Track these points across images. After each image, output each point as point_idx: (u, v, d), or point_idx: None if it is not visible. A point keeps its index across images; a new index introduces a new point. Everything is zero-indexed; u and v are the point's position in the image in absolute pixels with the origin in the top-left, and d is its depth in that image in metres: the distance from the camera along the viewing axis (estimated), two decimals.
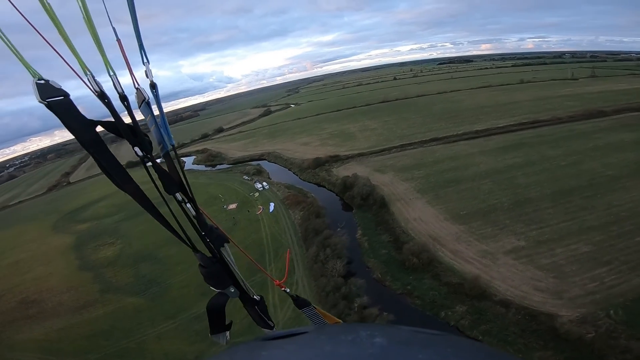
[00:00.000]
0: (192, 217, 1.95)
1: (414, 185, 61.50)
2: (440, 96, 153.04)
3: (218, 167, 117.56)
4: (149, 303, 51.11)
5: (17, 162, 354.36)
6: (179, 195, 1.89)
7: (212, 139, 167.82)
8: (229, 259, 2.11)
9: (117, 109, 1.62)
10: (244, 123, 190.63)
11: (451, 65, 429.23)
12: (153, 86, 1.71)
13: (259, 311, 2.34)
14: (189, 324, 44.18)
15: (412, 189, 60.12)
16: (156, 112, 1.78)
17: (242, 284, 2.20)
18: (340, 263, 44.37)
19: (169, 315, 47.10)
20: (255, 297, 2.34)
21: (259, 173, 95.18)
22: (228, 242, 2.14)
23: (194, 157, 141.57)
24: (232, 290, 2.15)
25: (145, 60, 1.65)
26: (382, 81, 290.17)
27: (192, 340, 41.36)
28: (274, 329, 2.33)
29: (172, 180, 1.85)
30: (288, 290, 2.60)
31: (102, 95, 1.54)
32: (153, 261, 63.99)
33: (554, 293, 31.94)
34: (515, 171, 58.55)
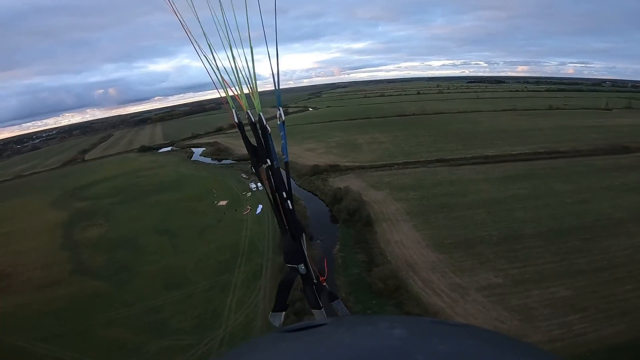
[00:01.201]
0: (287, 211, 2.47)
1: (406, 206, 57.97)
2: (459, 115, 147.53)
3: (223, 161, 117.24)
4: (112, 289, 50.07)
5: (44, 135, 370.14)
6: (284, 194, 2.46)
7: (225, 133, 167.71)
8: (304, 244, 2.58)
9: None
10: None
11: (481, 84, 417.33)
12: (283, 123, 2.60)
13: (315, 290, 2.66)
14: (142, 315, 42.77)
15: (402, 210, 56.66)
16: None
17: (309, 265, 2.60)
18: None
19: (127, 303, 45.85)
20: (314, 280, 2.69)
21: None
22: (305, 233, 2.66)
23: (203, 149, 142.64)
24: (302, 267, 2.55)
25: (279, 106, 2.54)
26: (405, 94, 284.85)
27: (139, 331, 39.96)
28: (322, 310, 2.56)
29: (283, 183, 2.49)
30: (326, 285, 2.78)
31: (254, 124, 2.42)
32: (131, 248, 63.23)
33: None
34: (516, 203, 54.13)
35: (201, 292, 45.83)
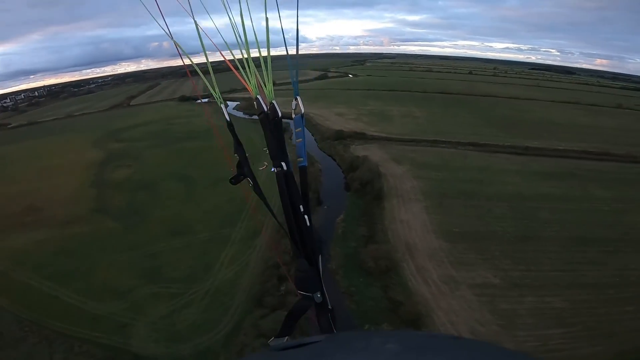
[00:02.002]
0: (304, 228, 2.17)
1: (423, 185, 54.62)
2: (509, 101, 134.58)
3: (253, 116, 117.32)
4: (123, 231, 52.75)
5: (100, 81, 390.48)
6: (301, 208, 2.15)
7: None
8: (320, 269, 2.28)
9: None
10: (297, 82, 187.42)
11: (546, 72, 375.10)
12: (302, 116, 2.18)
13: (330, 319, 2.44)
14: (141, 259, 44.72)
15: (417, 189, 53.50)
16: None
17: (324, 292, 2.33)
18: None
19: (131, 246, 48.08)
20: (329, 306, 2.47)
21: (283, 131, 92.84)
22: (323, 255, 2.33)
23: (237, 103, 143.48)
24: (319, 296, 2.27)
25: (296, 95, 2.14)
26: (455, 72, 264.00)
27: (134, 275, 41.81)
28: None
29: (299, 193, 2.16)
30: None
31: (266, 115, 2.03)
32: (150, 191, 66.02)
33: None
34: (544, 202, 48.85)
35: (200, 243, 46.96)
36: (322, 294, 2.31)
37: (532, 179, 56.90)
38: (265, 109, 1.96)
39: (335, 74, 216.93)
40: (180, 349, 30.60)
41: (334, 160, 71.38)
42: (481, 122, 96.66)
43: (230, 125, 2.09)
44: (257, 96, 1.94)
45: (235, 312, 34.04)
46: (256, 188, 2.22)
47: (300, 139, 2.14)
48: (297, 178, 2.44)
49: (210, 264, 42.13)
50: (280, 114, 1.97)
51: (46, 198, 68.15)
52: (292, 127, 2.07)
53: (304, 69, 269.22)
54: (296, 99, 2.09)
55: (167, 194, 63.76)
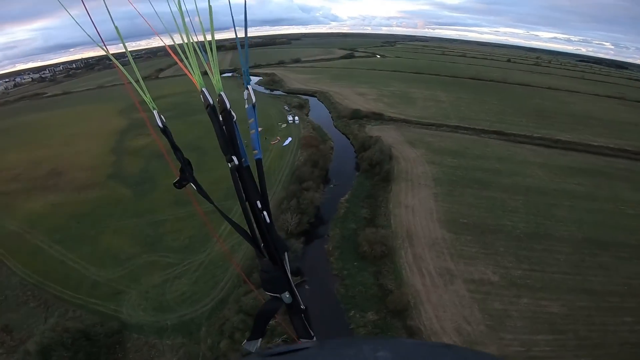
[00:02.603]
0: (264, 226, 2.04)
1: (436, 171, 51.99)
2: (547, 91, 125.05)
3: (274, 92, 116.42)
4: (133, 198, 54.17)
5: (133, 54, 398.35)
6: (258, 203, 2.01)
7: (285, 67, 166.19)
8: (287, 268, 2.17)
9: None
10: (322, 60, 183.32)
11: (595, 66, 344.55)
12: (254, 106, 2.10)
13: (304, 320, 2.38)
14: (145, 227, 45.72)
15: (429, 175, 50.99)
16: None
17: (294, 292, 2.26)
18: (297, 218, 40.36)
19: (137, 213, 49.31)
20: (302, 306, 2.37)
21: (300, 107, 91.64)
22: (288, 251, 2.20)
23: (260, 78, 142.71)
24: (287, 296, 2.21)
25: (246, 85, 2.03)
26: (491, 59, 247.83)
27: (136, 242, 42.85)
28: (314, 339, 2.26)
29: (256, 188, 2.02)
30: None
31: (212, 108, 1.84)
32: (163, 160, 66.97)
33: (468, 342, 25.30)
34: (564, 200, 45.11)
35: (205, 214, 47.01)
36: (292, 293, 2.24)
37: (555, 174, 52.67)
38: (211, 102, 1.78)
39: (362, 54, 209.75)
40: (166, 318, 31.09)
41: (348, 139, 69.53)
42: (511, 110, 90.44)
43: (164, 130, 1.94)
44: (203, 88, 1.76)
45: (225, 286, 34.13)
46: (201, 192, 2.05)
47: (254, 130, 2.02)
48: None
49: (208, 236, 42.29)
50: (229, 106, 1.82)
51: (68, 163, 71.21)
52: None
53: (331, 47, 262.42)
54: (247, 89, 2.00)
55: (178, 163, 64.39)
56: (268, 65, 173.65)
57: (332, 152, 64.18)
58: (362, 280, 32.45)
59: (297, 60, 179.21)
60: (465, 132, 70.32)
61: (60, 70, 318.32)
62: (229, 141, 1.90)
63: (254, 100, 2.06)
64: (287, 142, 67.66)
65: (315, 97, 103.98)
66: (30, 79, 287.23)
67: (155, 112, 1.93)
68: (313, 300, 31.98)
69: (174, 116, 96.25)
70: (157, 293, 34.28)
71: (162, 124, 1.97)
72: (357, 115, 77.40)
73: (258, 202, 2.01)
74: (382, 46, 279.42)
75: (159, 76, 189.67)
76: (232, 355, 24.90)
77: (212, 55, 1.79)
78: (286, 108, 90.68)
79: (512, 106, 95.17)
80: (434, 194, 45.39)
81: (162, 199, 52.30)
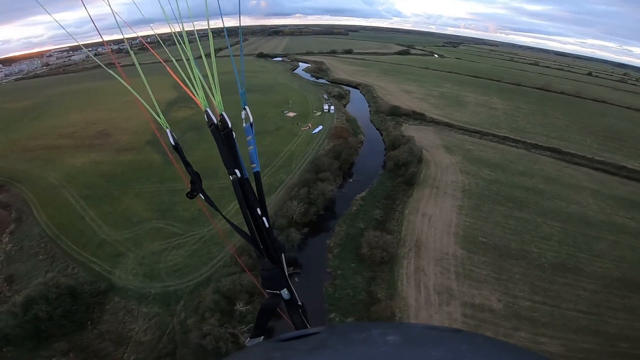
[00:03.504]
0: (263, 230, 2.21)
1: (468, 182, 46.99)
2: (624, 111, 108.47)
3: (319, 80, 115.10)
4: (161, 165, 56.15)
5: (201, 32, 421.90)
6: (258, 210, 2.18)
7: (336, 57, 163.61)
8: (285, 266, 2.33)
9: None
10: (375, 53, 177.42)
11: None
12: (251, 125, 2.27)
13: (302, 315, 2.51)
14: (163, 194, 47.11)
15: (459, 185, 46.22)
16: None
17: (292, 289, 2.40)
18: (304, 208, 38.64)
19: (160, 179, 51.05)
20: (299, 303, 2.50)
21: (340, 98, 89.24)
22: (285, 252, 2.37)
23: (308, 65, 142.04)
24: (286, 293, 2.35)
25: (243, 105, 2.23)
26: (568, 71, 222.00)
27: (150, 208, 44.20)
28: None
29: (256, 197, 2.19)
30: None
31: (216, 127, 2.05)
32: (197, 133, 69.08)
33: None
34: (609, 234, 38.04)
35: (218, 189, 47.22)
36: (290, 290, 2.37)
37: (608, 204, 44.75)
38: (215, 121, 1.99)
39: (419, 52, 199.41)
40: (151, 287, 31.34)
41: (381, 135, 65.97)
42: (576, 127, 79.58)
43: (176, 148, 2.14)
44: (207, 109, 1.96)
45: (216, 265, 33.67)
46: (208, 201, 2.35)
47: (252, 147, 2.20)
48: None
49: (217, 212, 42.16)
50: (230, 125, 2.02)
51: (117, 127, 76.50)
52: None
53: (387, 42, 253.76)
54: (245, 109, 2.19)
55: (210, 138, 64.56)
56: (320, 53, 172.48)
57: (360, 146, 61.35)
58: (353, 283, 30.13)
59: (349, 52, 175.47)
60: (514, 144, 62.98)
61: (137, 43, 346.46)
62: (232, 157, 2.03)
63: (251, 119, 2.17)
64: (317, 129, 65.99)
65: (358, 89, 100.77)
66: (111, 50, 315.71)
67: (168, 130, 2.07)
68: (298, 294, 30.29)
69: (222, 93, 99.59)
70: (152, 260, 34.84)
71: (174, 142, 2.12)
72: (395, 112, 73.15)
73: (258, 209, 2.13)
74: (443, 46, 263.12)
75: (216, 55, 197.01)
76: (195, 333, 24.11)
77: (214, 77, 1.92)
78: (325, 97, 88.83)
79: (579, 123, 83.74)
80: (459, 206, 40.86)
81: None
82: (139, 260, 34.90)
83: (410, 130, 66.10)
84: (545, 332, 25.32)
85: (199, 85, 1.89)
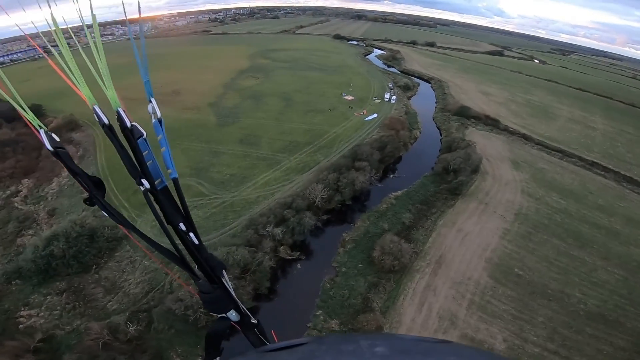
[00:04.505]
0: (192, 247, 1.91)
1: (527, 205, 39.80)
2: None
3: (390, 68, 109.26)
4: (213, 126, 59.35)
5: (288, 9, 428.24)
6: (182, 226, 1.85)
7: (415, 47, 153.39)
8: (228, 285, 2.08)
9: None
10: (461, 50, 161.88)
11: None
12: (160, 121, 1.78)
13: (258, 334, 2.33)
14: (205, 154, 49.03)
15: (514, 206, 39.38)
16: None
17: (241, 308, 2.19)
18: (328, 194, 36.30)
19: (207, 140, 53.60)
20: (252, 320, 2.30)
21: (407, 89, 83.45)
22: (226, 269, 2.09)
23: (382, 52, 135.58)
24: (234, 314, 2.15)
25: (149, 97, 1.74)
26: None
27: (189, 165, 46.59)
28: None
29: (177, 211, 1.84)
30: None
31: (109, 127, 1.56)
32: (255, 101, 70.86)
33: None
34: None
35: (255, 158, 47.45)
36: (239, 310, 2.12)
37: None
38: (107, 121, 1.52)
39: (515, 55, 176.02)
40: (161, 241, 31.51)
41: (440, 135, 59.65)
42: None
43: (56, 154, 1.56)
44: (95, 105, 1.48)
45: (227, 232, 33.47)
46: (112, 217, 1.75)
47: (164, 148, 1.75)
48: None
49: (246, 180, 42.35)
50: (129, 124, 1.56)
51: (189, 88, 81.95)
52: None
53: (480, 40, 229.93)
54: (150, 101, 1.68)
55: (265, 108, 66.93)
56: (399, 42, 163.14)
57: (413, 142, 56.31)
58: (353, 284, 27.60)
59: (431, 44, 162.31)
60: (602, 173, 51.51)
61: (231, 15, 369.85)
62: (137, 163, 1.63)
63: (159, 114, 1.72)
64: (370, 117, 62.29)
65: (430, 83, 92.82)
66: (207, 18, 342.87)
67: (41, 132, 1.51)
68: (293, 283, 28.71)
69: (287, 67, 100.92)
70: None
71: (53, 146, 1.55)
72: (463, 113, 65.35)
73: (181, 224, 1.80)
74: (548, 52, 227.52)
75: (296, 32, 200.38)
76: (172, 296, 23.99)
77: (101, 63, 1.44)
78: (390, 86, 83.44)
79: None
80: (505, 230, 34.60)
81: (232, 134, 55.09)
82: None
83: (475, 135, 58.50)
84: None
85: (77, 72, 1.39)
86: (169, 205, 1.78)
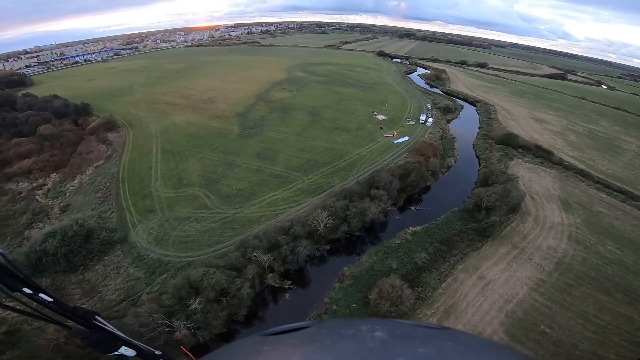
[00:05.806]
0: (52, 304, 1.94)
1: (571, 253, 33.00)
2: None
3: (433, 89, 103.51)
4: (237, 137, 58.91)
5: (337, 25, 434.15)
6: (27, 290, 1.87)
7: (463, 68, 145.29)
8: (107, 326, 2.11)
9: None
10: (516, 72, 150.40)
11: None
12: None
13: None
14: (220, 165, 48.28)
15: (555, 254, 32.78)
16: None
17: (134, 344, 2.19)
18: (332, 222, 32.82)
19: (225, 151, 52.89)
20: (157, 352, 2.30)
21: (447, 111, 77.66)
22: (99, 314, 2.12)
23: (426, 71, 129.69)
24: (128, 350, 2.14)
25: None
26: None
27: (202, 174, 46.28)
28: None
29: (16, 277, 1.84)
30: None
31: None
32: (282, 115, 69.77)
33: None
34: None
35: (267, 174, 45.58)
36: (132, 346, 2.10)
37: None
38: None
39: (580, 79, 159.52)
40: (152, 251, 31.05)
41: (479, 165, 53.36)
42: None
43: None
44: None
45: (219, 250, 31.38)
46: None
47: None
48: None
49: (254, 196, 40.38)
50: None
51: (224, 96, 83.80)
52: None
53: (540, 63, 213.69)
54: None
55: (291, 122, 65.38)
56: (447, 62, 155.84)
57: (445, 171, 50.76)
58: (349, 300, 24.69)
59: (483, 65, 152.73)
60: None
61: (281, 28, 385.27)
62: None
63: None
64: (401, 140, 57.85)
65: (475, 106, 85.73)
66: (259, 30, 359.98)
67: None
68: (276, 313, 25.62)
69: (322, 81, 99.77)
70: (170, 226, 34.85)
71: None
72: (509, 142, 58.31)
73: (26, 289, 1.81)
74: (619, 77, 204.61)
75: (340, 47, 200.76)
76: (134, 309, 21.85)
77: None
78: (428, 107, 78.08)
79: None
80: (538, 281, 28.46)
81: (251, 147, 53.90)
82: (160, 222, 35.40)
83: (520, 168, 51.52)
84: None
85: None
86: (4, 275, 1.74)
